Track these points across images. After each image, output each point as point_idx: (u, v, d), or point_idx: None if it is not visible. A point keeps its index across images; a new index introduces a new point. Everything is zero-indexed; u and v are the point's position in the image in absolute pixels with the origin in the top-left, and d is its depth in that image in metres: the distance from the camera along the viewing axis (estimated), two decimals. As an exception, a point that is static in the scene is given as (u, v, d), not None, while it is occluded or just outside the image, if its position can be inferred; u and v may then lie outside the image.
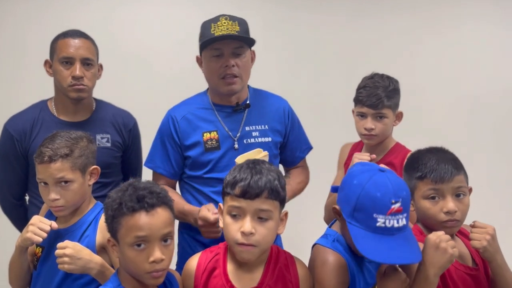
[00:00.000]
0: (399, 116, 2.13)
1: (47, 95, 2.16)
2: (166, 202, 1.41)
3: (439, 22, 3.39)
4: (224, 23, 1.93)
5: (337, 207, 1.52)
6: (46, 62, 2.11)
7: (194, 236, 2.00)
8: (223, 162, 1.97)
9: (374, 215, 1.39)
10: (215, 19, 1.96)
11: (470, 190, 1.63)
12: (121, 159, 2.19)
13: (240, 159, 1.77)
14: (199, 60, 2.07)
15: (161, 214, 1.37)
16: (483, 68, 3.42)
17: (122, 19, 3.14)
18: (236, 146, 2.00)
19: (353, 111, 2.15)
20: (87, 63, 2.03)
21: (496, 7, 3.42)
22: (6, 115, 2.13)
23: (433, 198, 1.57)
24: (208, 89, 2.11)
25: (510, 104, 3.44)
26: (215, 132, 1.99)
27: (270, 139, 2.05)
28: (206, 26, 1.98)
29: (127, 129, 2.19)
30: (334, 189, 1.64)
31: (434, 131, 3.19)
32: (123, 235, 1.35)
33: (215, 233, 1.78)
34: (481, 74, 3.42)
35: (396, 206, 1.40)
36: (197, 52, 3.12)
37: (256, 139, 2.03)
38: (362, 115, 2.08)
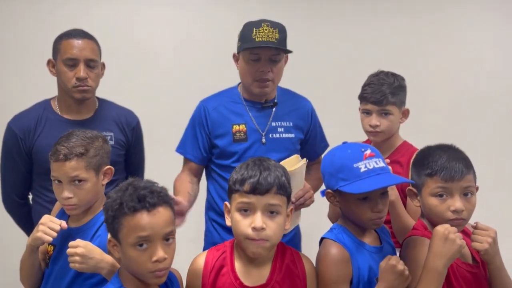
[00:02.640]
0: (405, 113, 2.13)
1: (50, 94, 2.16)
2: (167, 201, 1.40)
3: (441, 22, 3.37)
4: (266, 29, 2.03)
5: (328, 191, 1.63)
6: (49, 61, 2.10)
7: (217, 219, 2.17)
8: (249, 153, 2.10)
9: (354, 165, 1.55)
10: (258, 24, 2.06)
11: (477, 189, 1.63)
12: (124, 158, 2.20)
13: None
14: (235, 57, 2.17)
15: (162, 213, 1.37)
16: (485, 67, 3.41)
17: (124, 19, 3.14)
18: (263, 140, 2.13)
19: (359, 109, 2.16)
20: (91, 64, 2.04)
21: (497, 8, 3.40)
22: (10, 114, 2.13)
23: (441, 196, 1.57)
24: (239, 84, 2.23)
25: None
26: (243, 125, 2.13)
27: (293, 135, 2.18)
28: (248, 29, 2.07)
29: (130, 128, 2.20)
30: (324, 193, 1.70)
31: (435, 130, 3.18)
32: (125, 235, 1.34)
33: None
34: (483, 73, 3.41)
35: (368, 152, 1.58)
36: (198, 52, 3.16)
37: (281, 134, 2.16)
38: (367, 112, 2.10)
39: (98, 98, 2.20)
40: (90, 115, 2.13)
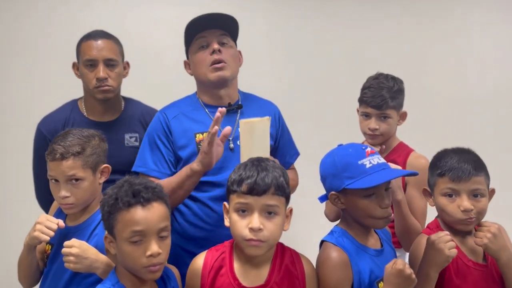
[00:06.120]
0: (403, 116, 2.16)
1: (75, 95, 2.18)
2: (161, 197, 1.43)
3: (444, 24, 3.36)
4: (208, 14, 1.93)
5: (332, 193, 1.61)
6: (73, 64, 2.15)
7: (184, 246, 1.92)
8: (218, 164, 1.79)
9: (359, 162, 1.56)
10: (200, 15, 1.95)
11: (493, 191, 1.67)
12: None
13: (243, 123, 1.75)
14: (187, 64, 2.05)
15: (157, 209, 1.39)
16: (489, 68, 3.39)
17: (128, 19, 3.15)
18: (231, 145, 1.92)
19: (357, 110, 2.18)
20: (110, 63, 2.06)
21: (502, 10, 3.39)
22: (37, 115, 2.16)
23: (450, 195, 1.62)
24: (196, 92, 2.06)
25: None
26: (207, 134, 1.80)
27: None
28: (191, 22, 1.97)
29: None
30: (323, 198, 1.69)
31: (439, 131, 3.20)
32: (120, 231, 1.37)
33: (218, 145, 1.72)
34: (486, 74, 3.39)
35: (369, 149, 1.60)
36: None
37: None
38: (367, 115, 2.11)
39: (124, 97, 2.20)
40: (116, 117, 2.14)
